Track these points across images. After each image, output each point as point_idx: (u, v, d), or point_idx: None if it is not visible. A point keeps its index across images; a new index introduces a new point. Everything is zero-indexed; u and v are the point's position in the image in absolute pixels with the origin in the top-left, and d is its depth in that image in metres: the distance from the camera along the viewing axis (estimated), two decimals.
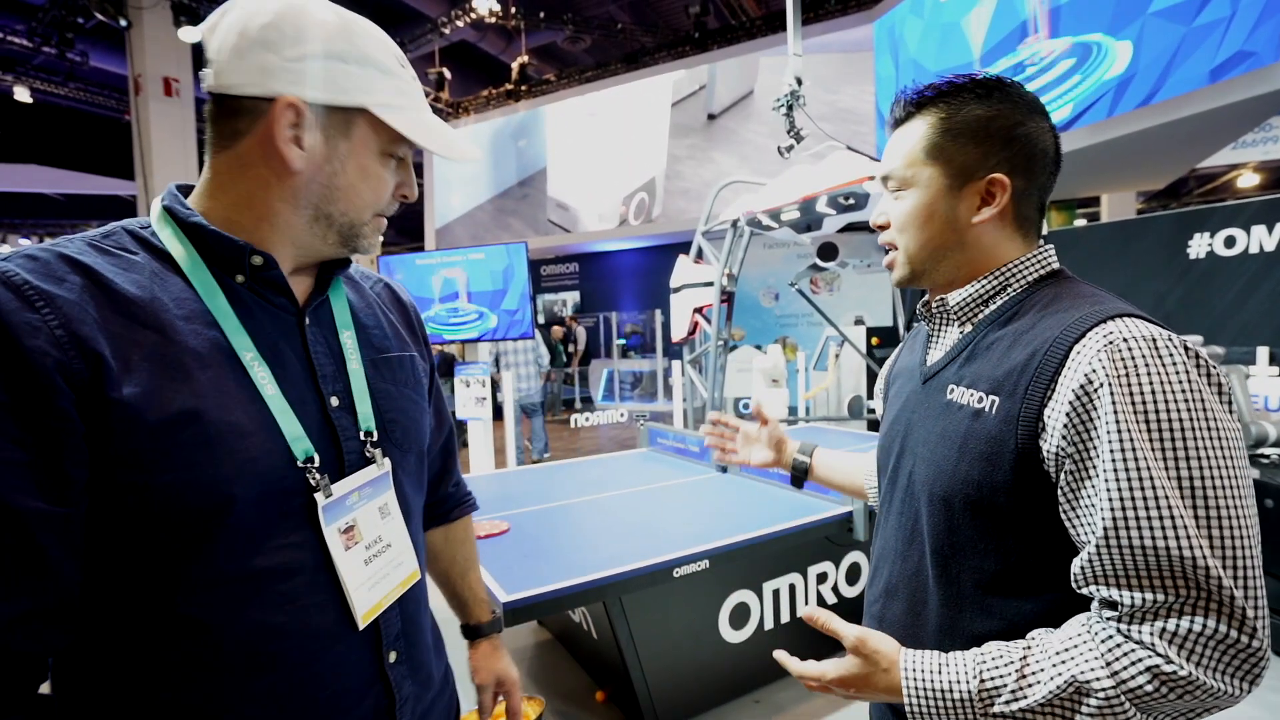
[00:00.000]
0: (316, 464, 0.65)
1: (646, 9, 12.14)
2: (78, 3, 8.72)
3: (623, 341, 11.95)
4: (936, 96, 0.79)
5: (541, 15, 11.43)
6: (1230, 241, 4.61)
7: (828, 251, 3.73)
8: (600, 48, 12.79)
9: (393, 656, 0.72)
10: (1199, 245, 4.76)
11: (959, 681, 0.67)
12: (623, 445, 5.29)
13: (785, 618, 2.45)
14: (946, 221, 0.78)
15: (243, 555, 0.60)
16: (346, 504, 0.68)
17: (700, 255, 4.58)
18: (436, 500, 0.99)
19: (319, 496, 0.65)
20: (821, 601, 2.56)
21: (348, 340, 0.74)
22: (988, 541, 0.72)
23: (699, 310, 4.43)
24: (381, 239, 0.75)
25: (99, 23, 8.48)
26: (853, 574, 2.62)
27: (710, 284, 4.31)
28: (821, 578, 2.55)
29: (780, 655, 0.78)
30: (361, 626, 0.67)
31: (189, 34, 8.26)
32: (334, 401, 0.70)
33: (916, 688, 0.68)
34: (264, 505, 0.61)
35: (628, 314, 12.54)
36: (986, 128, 0.76)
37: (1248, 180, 11.72)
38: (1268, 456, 2.89)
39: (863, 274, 9.45)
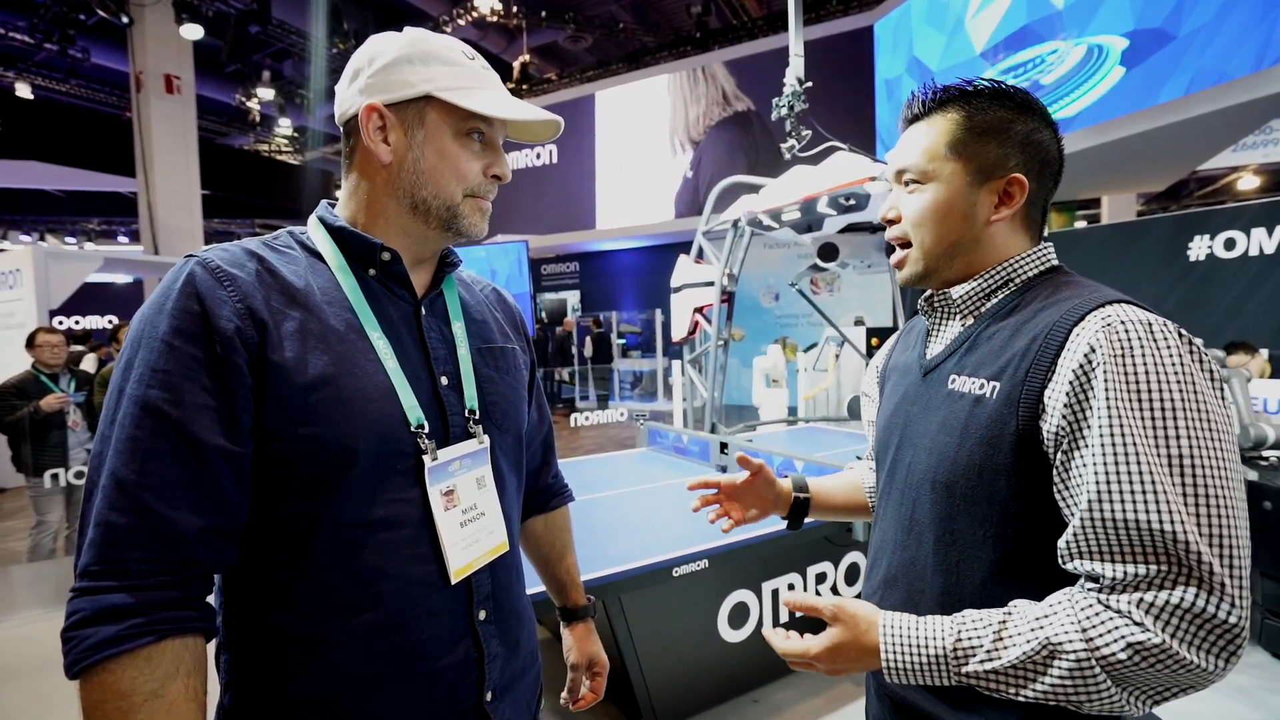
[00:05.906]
0: (426, 431, 0.74)
1: (648, 8, 12.14)
2: None
3: (623, 341, 11.96)
4: (959, 96, 0.80)
5: (543, 14, 11.43)
6: (1230, 244, 4.61)
7: (828, 252, 3.72)
8: (601, 47, 12.78)
9: (482, 615, 0.78)
10: (1199, 247, 4.77)
11: (934, 638, 0.68)
12: (622, 445, 5.29)
13: (784, 617, 2.45)
14: (965, 218, 0.80)
15: (362, 504, 0.70)
16: (449, 470, 0.76)
17: (701, 255, 4.57)
18: (537, 490, 1.07)
19: (426, 458, 0.73)
20: None
21: (458, 330, 0.83)
22: (986, 529, 0.72)
23: (699, 310, 4.42)
24: (486, 222, 0.82)
25: (101, 19, 8.48)
26: (851, 574, 2.63)
27: (711, 284, 4.30)
28: (820, 577, 2.55)
29: (768, 632, 0.78)
30: (454, 581, 0.75)
31: (190, 31, 8.26)
32: (444, 381, 0.79)
33: (892, 642, 0.70)
34: (381, 461, 0.71)
35: (628, 313, 12.53)
36: (1008, 129, 0.78)
37: (1248, 183, 11.71)
38: (1267, 459, 2.89)
39: (863, 274, 9.41)
